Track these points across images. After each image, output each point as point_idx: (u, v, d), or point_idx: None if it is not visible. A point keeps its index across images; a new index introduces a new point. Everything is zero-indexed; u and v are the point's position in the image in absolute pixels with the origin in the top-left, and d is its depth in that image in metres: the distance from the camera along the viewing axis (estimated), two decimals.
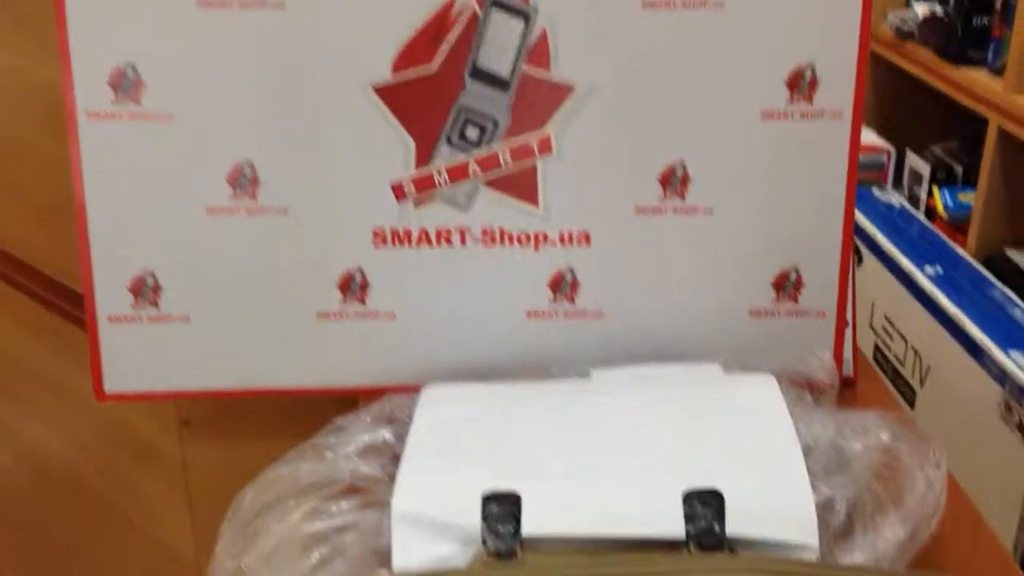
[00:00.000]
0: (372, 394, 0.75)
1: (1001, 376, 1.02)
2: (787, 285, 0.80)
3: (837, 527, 0.61)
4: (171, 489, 0.91)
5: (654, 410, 0.72)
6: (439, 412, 0.73)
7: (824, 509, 0.62)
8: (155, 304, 0.79)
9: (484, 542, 0.61)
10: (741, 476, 0.64)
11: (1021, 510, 1.21)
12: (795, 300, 0.80)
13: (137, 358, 0.80)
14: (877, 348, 1.26)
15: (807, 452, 0.65)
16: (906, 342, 1.21)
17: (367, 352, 0.81)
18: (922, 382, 1.18)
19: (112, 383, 0.80)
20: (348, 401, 0.76)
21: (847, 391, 0.79)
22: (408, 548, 0.62)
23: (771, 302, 0.80)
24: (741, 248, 0.79)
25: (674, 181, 0.78)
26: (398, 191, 0.78)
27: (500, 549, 0.61)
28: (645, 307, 0.80)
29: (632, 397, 0.75)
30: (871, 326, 1.27)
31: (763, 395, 0.72)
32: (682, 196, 0.78)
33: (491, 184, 0.78)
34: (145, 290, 0.79)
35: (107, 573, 1.02)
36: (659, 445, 0.68)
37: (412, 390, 0.75)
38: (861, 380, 0.82)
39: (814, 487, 0.62)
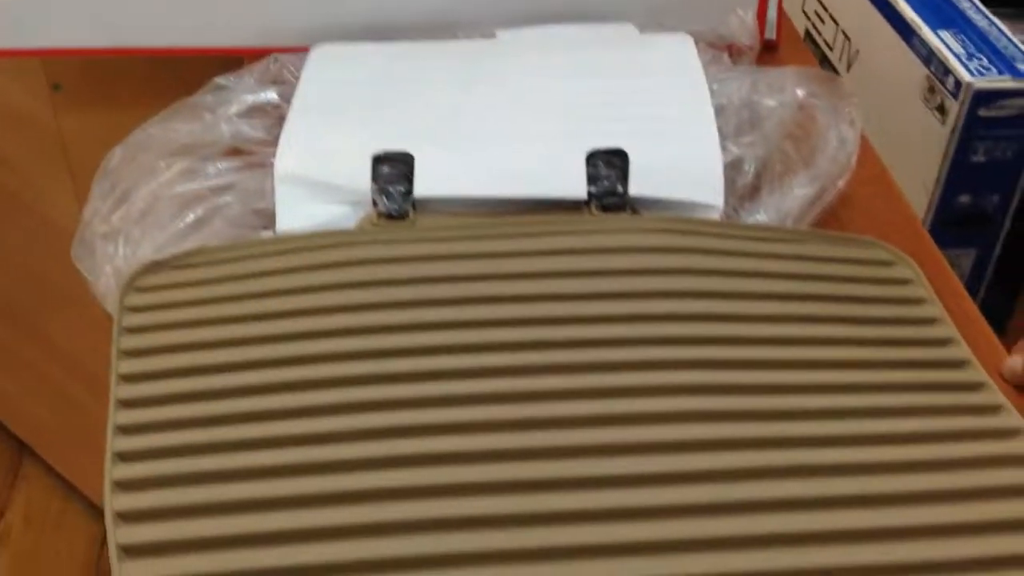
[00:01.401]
0: (258, 55, 0.69)
1: (928, 56, 1.00)
2: None
3: (744, 187, 0.59)
4: (51, 163, 0.85)
5: (561, 71, 0.67)
6: (329, 72, 0.68)
7: (732, 169, 0.59)
8: None
9: (374, 204, 0.58)
10: (648, 136, 0.60)
11: (931, 192, 1.22)
12: None
13: (1, 15, 0.72)
14: (807, 33, 1.22)
15: (719, 112, 0.61)
16: (837, 25, 1.17)
17: (253, 8, 0.74)
18: (849, 66, 1.15)
19: None
20: (233, 62, 0.70)
21: (768, 55, 0.75)
22: (293, 209, 0.58)
23: None
24: None
25: None
26: None
27: (391, 210, 0.58)
28: None
29: (539, 57, 0.69)
30: (803, 10, 1.23)
31: (677, 55, 0.68)
32: None
33: None
34: None
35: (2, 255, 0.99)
36: (564, 105, 0.64)
37: (302, 51, 0.69)
38: (784, 46, 0.78)
39: (723, 147, 0.59)
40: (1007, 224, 1.27)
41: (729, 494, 0.42)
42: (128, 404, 0.46)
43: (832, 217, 0.59)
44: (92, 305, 0.92)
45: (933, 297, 0.54)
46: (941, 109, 1.03)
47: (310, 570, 0.39)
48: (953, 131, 1.12)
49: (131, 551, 0.40)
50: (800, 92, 0.60)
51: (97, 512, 1.13)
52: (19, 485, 1.14)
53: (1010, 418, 0.47)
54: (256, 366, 0.48)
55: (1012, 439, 0.46)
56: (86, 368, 1.01)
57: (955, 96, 0.94)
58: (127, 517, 0.41)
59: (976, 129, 1.15)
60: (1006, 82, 0.88)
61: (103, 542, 1.14)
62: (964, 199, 1.24)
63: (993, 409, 0.48)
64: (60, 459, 1.15)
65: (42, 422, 1.12)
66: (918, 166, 1.21)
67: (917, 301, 0.54)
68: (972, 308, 0.54)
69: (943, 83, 1.00)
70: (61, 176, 0.85)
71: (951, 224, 1.26)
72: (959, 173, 1.21)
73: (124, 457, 0.44)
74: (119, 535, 0.41)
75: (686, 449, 0.44)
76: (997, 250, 1.28)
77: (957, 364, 0.50)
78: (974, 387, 0.49)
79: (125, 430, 0.45)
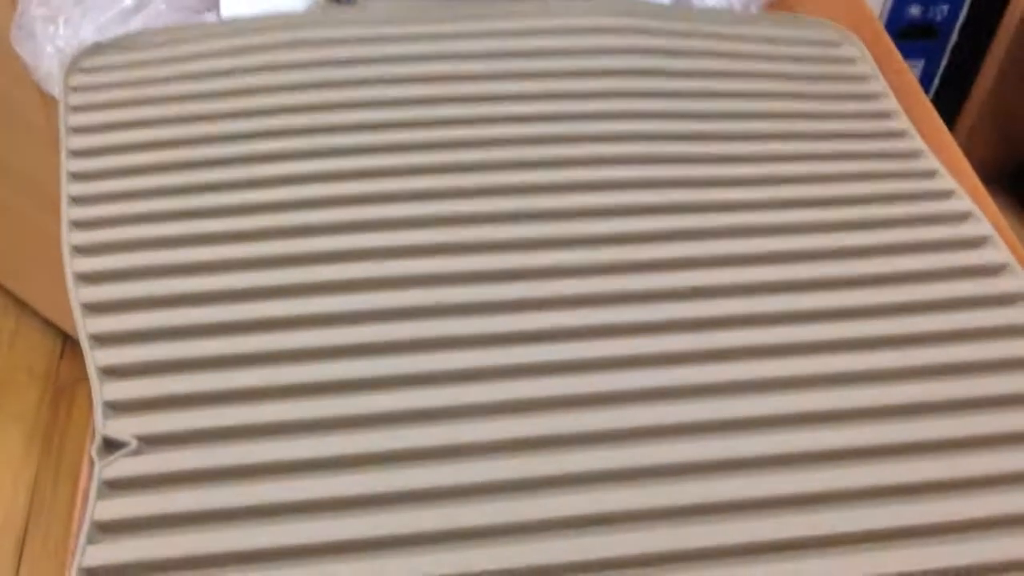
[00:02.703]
0: None
1: None
2: None
3: None
4: None
5: None
6: None
7: None
8: None
9: None
10: None
11: (882, 1, 1.22)
12: None
13: None
14: None
15: None
16: None
17: None
18: None
19: None
20: None
21: None
22: None
23: None
24: None
25: None
26: None
27: None
28: None
29: None
30: None
31: None
32: None
33: None
34: None
35: None
36: None
37: None
38: None
39: None
40: (954, 36, 1.27)
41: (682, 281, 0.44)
42: (79, 177, 0.46)
43: (781, 4, 0.59)
44: (36, 117, 0.90)
45: (877, 74, 0.55)
46: None
47: (264, 324, 0.41)
48: None
49: (93, 307, 0.41)
50: None
51: (52, 328, 1.14)
52: None
53: (945, 181, 0.49)
54: (201, 142, 0.48)
55: (947, 199, 0.48)
56: (34, 183, 0.99)
57: None
58: (94, 308, 0.42)
59: None
60: None
61: (61, 355, 1.15)
62: (914, 9, 1.25)
63: (929, 174, 0.49)
64: (11, 277, 1.14)
65: None
66: None
67: (862, 78, 0.54)
68: (912, 82, 0.55)
69: None
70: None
71: (900, 36, 1.26)
72: None
73: (80, 225, 0.44)
74: (80, 294, 0.41)
75: (631, 213, 0.45)
76: (944, 61, 1.29)
77: (898, 135, 0.51)
78: (913, 155, 0.50)
79: (79, 200, 0.45)
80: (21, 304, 1.18)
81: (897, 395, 0.40)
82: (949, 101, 1.29)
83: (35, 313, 1.18)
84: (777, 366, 0.40)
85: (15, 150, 0.99)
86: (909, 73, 0.55)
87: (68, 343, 1.16)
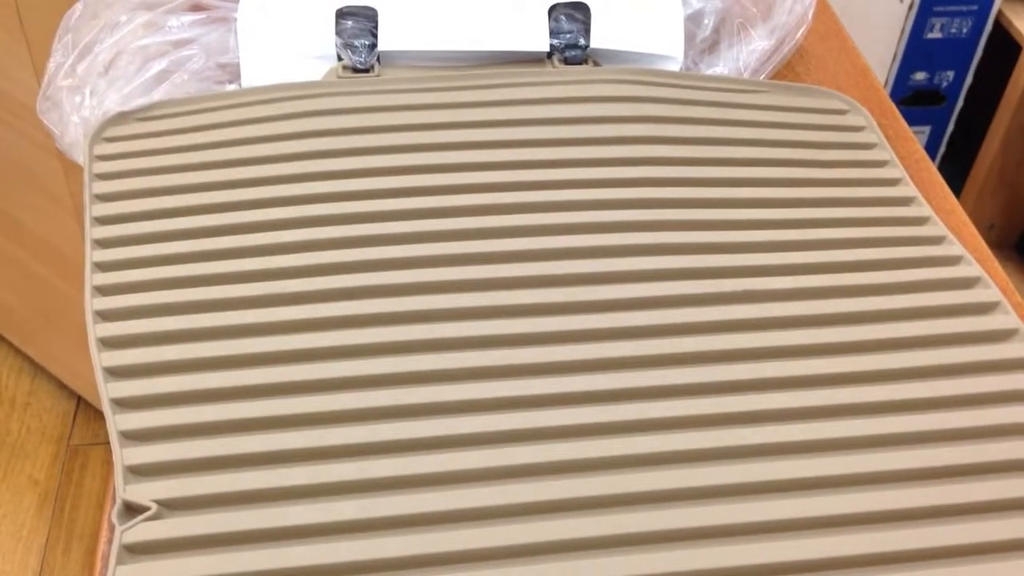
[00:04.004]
0: None
1: None
2: None
3: (704, 40, 0.60)
4: (6, 33, 0.84)
5: None
6: None
7: (692, 22, 0.60)
8: None
9: (339, 57, 0.58)
10: None
11: (888, 69, 1.24)
12: None
13: None
14: None
15: None
16: None
17: None
18: None
19: None
20: None
21: None
22: (257, 62, 0.58)
23: None
24: None
25: None
26: None
27: (356, 63, 0.58)
28: None
29: None
30: None
31: None
32: None
33: None
34: None
35: None
36: None
37: None
38: None
39: (684, 0, 0.60)
40: (960, 102, 1.29)
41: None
42: (103, 243, 0.47)
43: (788, 71, 0.60)
44: (58, 186, 0.92)
45: (884, 142, 0.56)
46: None
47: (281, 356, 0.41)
48: (911, 8, 1.12)
49: (116, 372, 0.42)
50: None
51: (66, 391, 1.15)
52: None
53: (952, 247, 0.50)
54: (222, 208, 0.49)
55: (955, 265, 0.49)
56: (53, 250, 1.01)
57: None
58: (109, 343, 0.43)
59: (932, 5, 1.16)
60: None
61: (74, 418, 1.15)
62: (919, 76, 1.27)
63: (937, 240, 0.50)
64: (27, 340, 1.16)
65: (9, 305, 1.13)
66: (875, 43, 1.22)
67: (869, 146, 0.55)
68: (919, 150, 0.56)
69: None
70: (16, 48, 0.84)
71: (906, 102, 1.28)
72: (915, 49, 1.23)
73: (104, 291, 0.45)
74: (103, 359, 0.42)
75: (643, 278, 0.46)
76: (950, 127, 1.31)
77: (905, 201, 0.52)
78: (919, 221, 0.51)
79: (102, 267, 0.46)
80: (36, 367, 1.19)
81: (909, 460, 0.40)
82: (955, 167, 1.30)
83: (50, 376, 1.18)
84: (785, 430, 0.41)
85: (37, 218, 1.01)
86: (915, 141, 0.56)
87: (81, 406, 1.16)
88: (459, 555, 0.36)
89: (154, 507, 0.37)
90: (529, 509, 0.38)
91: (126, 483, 0.38)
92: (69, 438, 1.13)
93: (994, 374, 0.43)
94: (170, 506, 0.37)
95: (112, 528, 0.37)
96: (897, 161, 0.54)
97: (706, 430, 0.40)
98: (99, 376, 0.42)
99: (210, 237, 0.47)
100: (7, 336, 1.18)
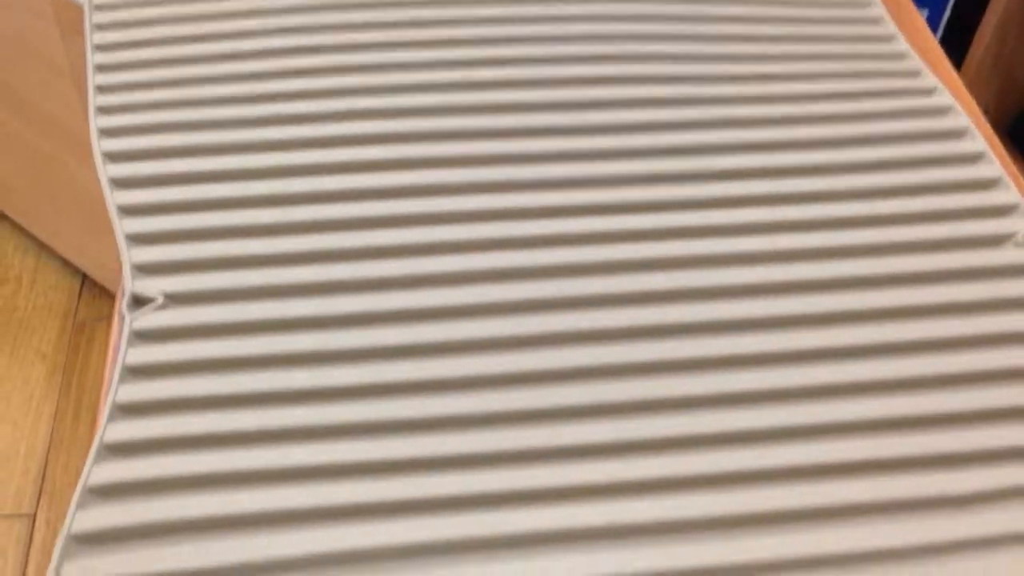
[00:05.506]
0: None
1: None
2: None
3: None
4: None
5: None
6: None
7: None
8: None
9: None
10: None
11: None
12: None
13: None
14: None
15: None
16: None
17: None
18: None
19: None
20: None
21: None
22: None
23: None
24: None
25: None
26: None
27: None
28: None
29: None
30: None
31: None
32: None
33: None
34: None
35: None
36: None
37: None
38: None
39: None
40: None
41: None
42: (104, 68, 0.49)
43: None
44: (58, 56, 0.92)
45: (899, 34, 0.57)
46: None
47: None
48: None
49: (121, 183, 0.44)
50: None
51: (70, 268, 1.17)
52: None
53: (942, 96, 0.51)
54: (226, 58, 0.50)
55: (945, 114, 0.51)
56: (55, 122, 1.02)
57: None
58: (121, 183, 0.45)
59: None
60: None
61: (80, 294, 1.18)
62: None
63: (943, 111, 0.52)
64: (32, 220, 1.17)
65: (11, 182, 1.14)
66: None
67: (889, 38, 0.56)
68: (930, 37, 0.57)
69: None
70: None
71: None
72: None
73: (107, 111, 0.47)
74: (110, 171, 0.44)
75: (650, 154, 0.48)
76: (947, 11, 1.30)
77: (913, 73, 0.54)
78: (927, 91, 0.53)
79: (103, 88, 0.48)
80: (41, 245, 1.21)
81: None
82: (950, 52, 1.30)
83: (54, 254, 1.21)
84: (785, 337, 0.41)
85: (38, 91, 1.02)
86: (927, 30, 0.57)
87: (86, 283, 1.19)
88: (484, 539, 0.36)
89: (161, 298, 0.39)
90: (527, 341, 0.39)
91: (134, 279, 0.40)
92: (75, 314, 1.15)
93: (990, 249, 0.45)
94: (176, 299, 0.40)
95: (122, 319, 0.39)
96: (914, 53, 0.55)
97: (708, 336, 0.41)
98: (104, 186, 0.43)
99: (218, 83, 0.49)
100: (12, 216, 1.20)
